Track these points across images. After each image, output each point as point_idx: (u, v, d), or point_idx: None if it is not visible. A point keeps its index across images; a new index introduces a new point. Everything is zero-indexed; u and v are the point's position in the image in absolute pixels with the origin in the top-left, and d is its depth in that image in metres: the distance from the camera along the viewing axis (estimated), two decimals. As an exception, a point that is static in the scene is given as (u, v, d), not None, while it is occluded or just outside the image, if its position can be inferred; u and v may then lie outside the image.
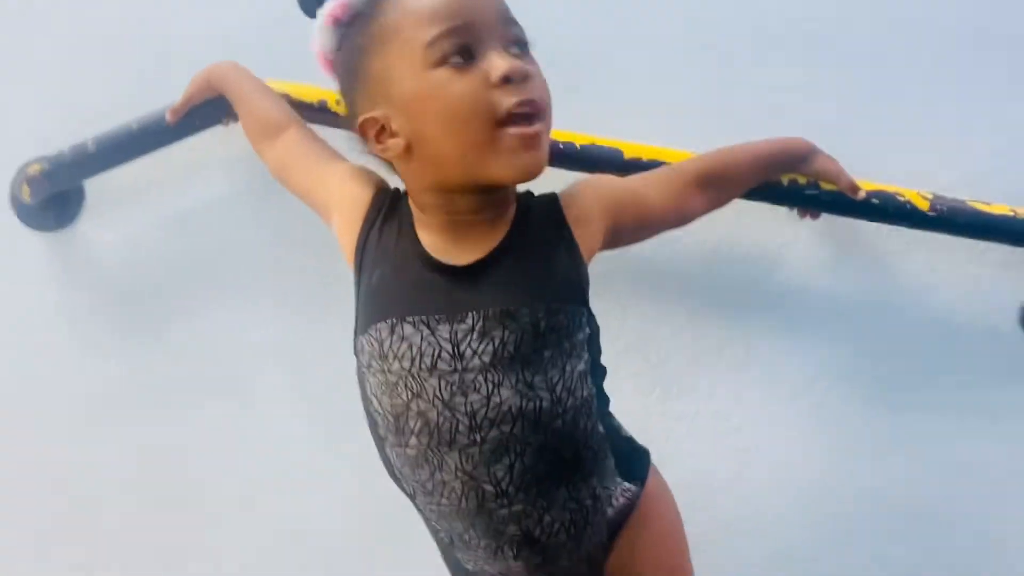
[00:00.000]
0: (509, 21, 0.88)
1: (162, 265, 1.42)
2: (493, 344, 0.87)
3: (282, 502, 1.42)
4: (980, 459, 1.31)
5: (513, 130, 0.84)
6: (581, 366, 0.92)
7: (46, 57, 1.42)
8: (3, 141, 1.41)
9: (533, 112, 0.85)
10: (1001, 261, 1.26)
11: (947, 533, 1.32)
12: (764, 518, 1.34)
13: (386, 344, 0.89)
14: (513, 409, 0.87)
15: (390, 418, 0.91)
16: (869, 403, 1.32)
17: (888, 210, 1.16)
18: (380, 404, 0.91)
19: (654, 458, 1.03)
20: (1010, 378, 1.29)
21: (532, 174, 0.87)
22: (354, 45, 0.91)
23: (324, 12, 0.92)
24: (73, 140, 1.31)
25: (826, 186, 1.15)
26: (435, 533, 0.98)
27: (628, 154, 1.17)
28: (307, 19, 0.94)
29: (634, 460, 1.01)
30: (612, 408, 0.99)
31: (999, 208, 1.16)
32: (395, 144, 0.89)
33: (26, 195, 1.37)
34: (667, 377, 1.33)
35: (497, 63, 0.84)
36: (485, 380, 0.87)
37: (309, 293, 1.37)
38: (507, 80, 0.83)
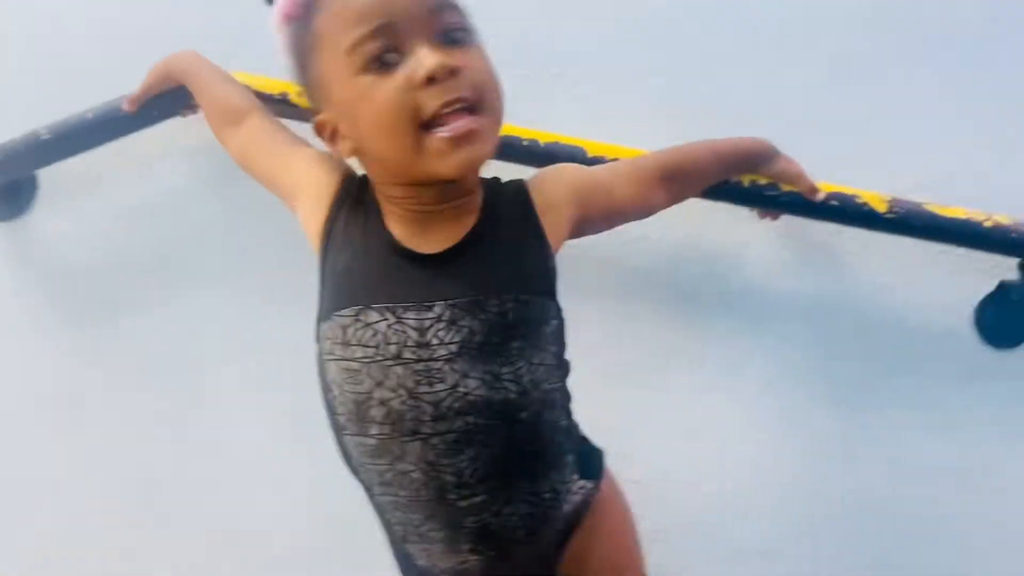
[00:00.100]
0: (438, 9, 0.84)
1: (119, 256, 1.39)
2: (461, 334, 0.86)
3: (239, 500, 1.40)
4: (934, 458, 1.33)
5: (441, 132, 0.82)
6: (548, 359, 0.91)
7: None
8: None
9: (464, 107, 0.82)
10: (956, 263, 1.28)
11: (902, 531, 1.34)
12: (722, 516, 1.35)
13: (350, 331, 0.88)
14: (479, 400, 0.86)
15: (351, 406, 0.89)
16: (826, 402, 1.33)
17: (847, 212, 1.18)
18: (341, 392, 0.90)
19: (614, 454, 1.03)
20: (964, 378, 1.32)
21: (468, 169, 0.85)
22: (304, 44, 0.89)
23: (277, 7, 0.91)
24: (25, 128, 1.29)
25: (786, 187, 1.16)
26: (388, 527, 0.97)
27: (591, 152, 1.17)
28: (267, 9, 0.93)
29: (590, 458, 1.01)
30: (572, 405, 0.99)
31: (955, 211, 1.19)
32: (345, 146, 0.90)
33: (-25, 184, 1.34)
34: (628, 375, 1.34)
35: (422, 62, 0.81)
36: (451, 370, 0.86)
37: (270, 285, 1.35)
38: (432, 80, 0.81)
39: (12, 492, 1.44)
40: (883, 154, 1.30)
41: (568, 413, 0.97)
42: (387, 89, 0.82)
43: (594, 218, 1.00)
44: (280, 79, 1.15)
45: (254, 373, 1.38)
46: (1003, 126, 1.30)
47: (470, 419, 0.87)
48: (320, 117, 0.91)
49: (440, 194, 0.89)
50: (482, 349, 0.87)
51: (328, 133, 0.91)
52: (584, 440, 1.01)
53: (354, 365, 0.88)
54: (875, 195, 1.18)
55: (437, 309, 0.86)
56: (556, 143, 1.19)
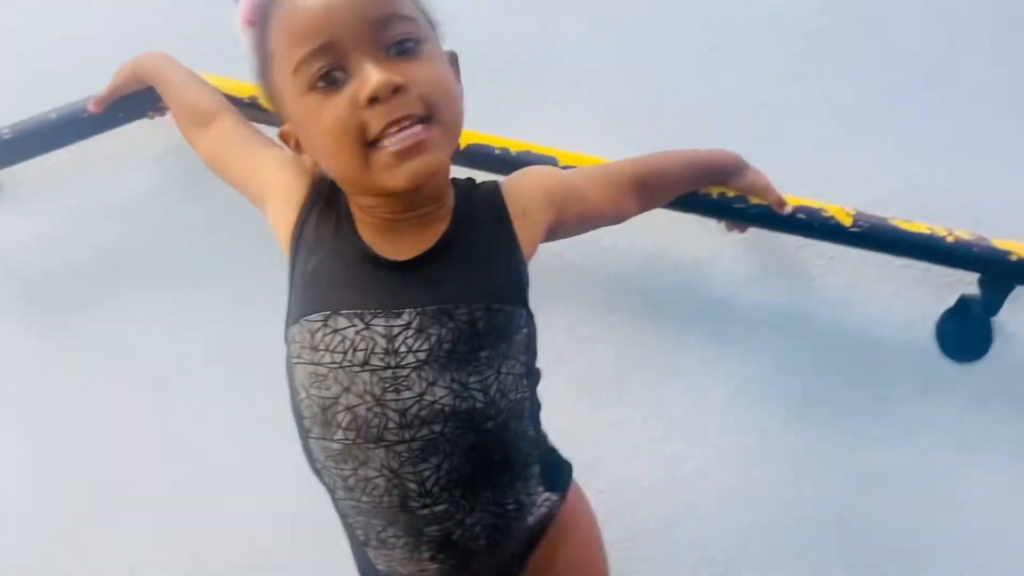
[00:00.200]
0: (383, 22, 0.82)
1: (82, 258, 1.37)
2: (429, 342, 0.86)
3: (209, 502, 1.38)
4: (894, 469, 1.35)
5: (387, 147, 0.81)
6: (517, 368, 0.91)
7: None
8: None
9: (414, 122, 0.81)
10: (919, 277, 1.31)
11: (864, 541, 1.36)
12: (687, 525, 1.36)
13: (318, 336, 0.87)
14: (446, 409, 0.86)
15: (317, 410, 0.89)
16: (790, 412, 1.35)
17: (813, 225, 1.20)
18: (308, 395, 0.89)
19: (583, 464, 1.03)
20: (924, 390, 1.34)
21: (420, 179, 0.83)
22: (263, 53, 0.88)
23: (239, 10, 0.89)
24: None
25: (754, 200, 1.18)
26: (350, 530, 0.96)
27: (563, 162, 1.18)
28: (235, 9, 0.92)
29: (557, 470, 1.01)
30: (541, 415, 0.99)
31: (918, 226, 1.21)
32: (307, 157, 0.91)
33: (-66, 183, 1.31)
34: (596, 385, 1.34)
35: (366, 81, 0.79)
36: (419, 378, 0.85)
37: (238, 287, 1.34)
38: (376, 100, 0.80)
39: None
40: (847, 169, 1.31)
41: (536, 423, 0.97)
42: (332, 109, 0.81)
43: (568, 223, 1.01)
44: (250, 82, 1.14)
45: (223, 375, 1.36)
46: (964, 144, 1.32)
47: (436, 427, 0.86)
48: (283, 128, 0.92)
49: (406, 202, 0.88)
50: (450, 357, 0.86)
51: (292, 143, 0.92)
52: (552, 451, 1.01)
53: (322, 370, 0.87)
54: (841, 209, 1.20)
55: (406, 317, 0.86)
56: (528, 152, 1.19)
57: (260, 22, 0.87)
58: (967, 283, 1.29)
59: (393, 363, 0.85)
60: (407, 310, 0.86)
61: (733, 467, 1.35)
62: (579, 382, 1.33)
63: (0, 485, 1.41)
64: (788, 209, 1.18)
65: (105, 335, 1.37)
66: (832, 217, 1.19)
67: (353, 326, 0.86)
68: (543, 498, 0.97)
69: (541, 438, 0.98)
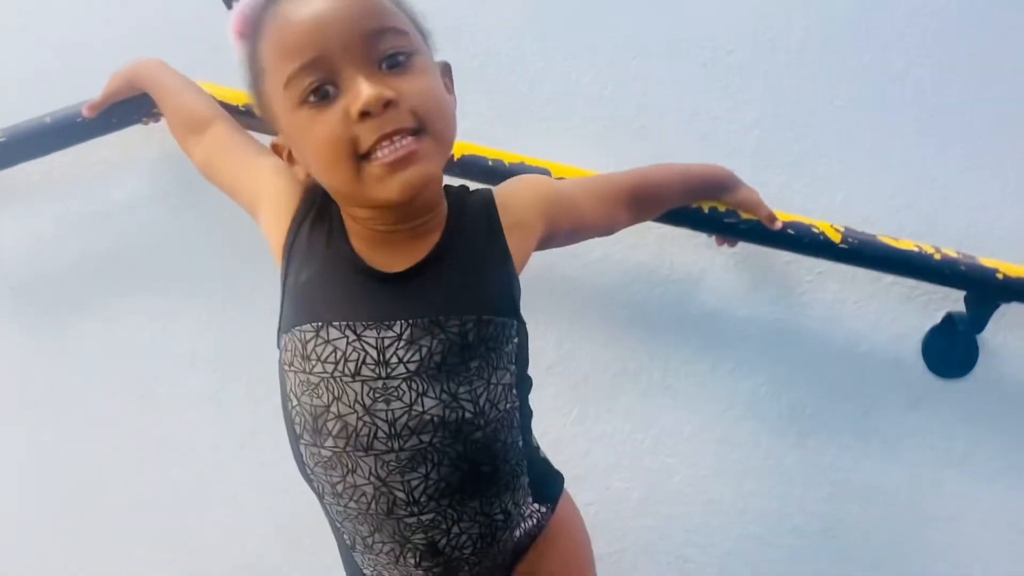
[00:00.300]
0: (374, 35, 0.82)
1: (74, 262, 1.36)
2: (420, 353, 0.86)
3: (194, 506, 1.38)
4: (881, 483, 1.36)
5: (379, 159, 0.81)
6: (507, 378, 0.91)
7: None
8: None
9: (402, 136, 0.81)
10: (906, 294, 1.32)
11: (850, 553, 1.37)
12: (675, 538, 1.36)
13: (310, 346, 0.87)
14: (435, 419, 0.86)
15: (308, 417, 0.89)
16: (778, 426, 1.36)
17: (803, 241, 1.21)
18: (299, 402, 0.89)
19: (572, 476, 1.04)
20: (911, 405, 1.35)
21: (411, 191, 0.83)
22: (255, 67, 0.88)
23: (231, 21, 0.89)
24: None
25: (745, 215, 1.19)
26: (338, 534, 0.97)
27: (556, 174, 1.18)
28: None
29: (548, 482, 1.01)
30: (531, 426, 0.99)
31: (906, 243, 1.22)
32: (300, 169, 0.91)
33: (-74, 185, 1.31)
34: (586, 398, 1.35)
35: (357, 96, 0.80)
36: (409, 388, 0.86)
37: (228, 293, 1.34)
38: (367, 114, 0.80)
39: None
40: (834, 188, 1.33)
41: (527, 433, 0.97)
42: (324, 124, 0.81)
43: (559, 233, 1.01)
44: (245, 91, 1.14)
45: (213, 380, 1.36)
46: (951, 165, 1.34)
47: (424, 438, 0.86)
48: (275, 140, 0.92)
49: (399, 214, 0.89)
50: (440, 368, 0.86)
51: (285, 155, 0.92)
52: (544, 461, 1.01)
53: (313, 379, 0.88)
54: (830, 225, 1.21)
55: (397, 328, 0.86)
56: (522, 163, 1.20)
57: (251, 35, 0.87)
58: (954, 300, 1.30)
59: (384, 374, 0.86)
60: (398, 321, 0.86)
61: (721, 480, 1.36)
62: (569, 393, 1.33)
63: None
64: (778, 225, 1.18)
65: (98, 339, 1.37)
66: (822, 233, 1.20)
67: (344, 337, 0.86)
68: (532, 509, 0.97)
69: (532, 449, 0.98)
